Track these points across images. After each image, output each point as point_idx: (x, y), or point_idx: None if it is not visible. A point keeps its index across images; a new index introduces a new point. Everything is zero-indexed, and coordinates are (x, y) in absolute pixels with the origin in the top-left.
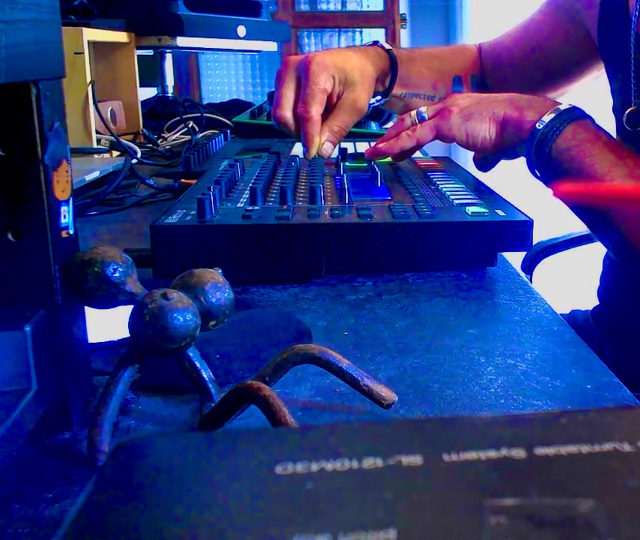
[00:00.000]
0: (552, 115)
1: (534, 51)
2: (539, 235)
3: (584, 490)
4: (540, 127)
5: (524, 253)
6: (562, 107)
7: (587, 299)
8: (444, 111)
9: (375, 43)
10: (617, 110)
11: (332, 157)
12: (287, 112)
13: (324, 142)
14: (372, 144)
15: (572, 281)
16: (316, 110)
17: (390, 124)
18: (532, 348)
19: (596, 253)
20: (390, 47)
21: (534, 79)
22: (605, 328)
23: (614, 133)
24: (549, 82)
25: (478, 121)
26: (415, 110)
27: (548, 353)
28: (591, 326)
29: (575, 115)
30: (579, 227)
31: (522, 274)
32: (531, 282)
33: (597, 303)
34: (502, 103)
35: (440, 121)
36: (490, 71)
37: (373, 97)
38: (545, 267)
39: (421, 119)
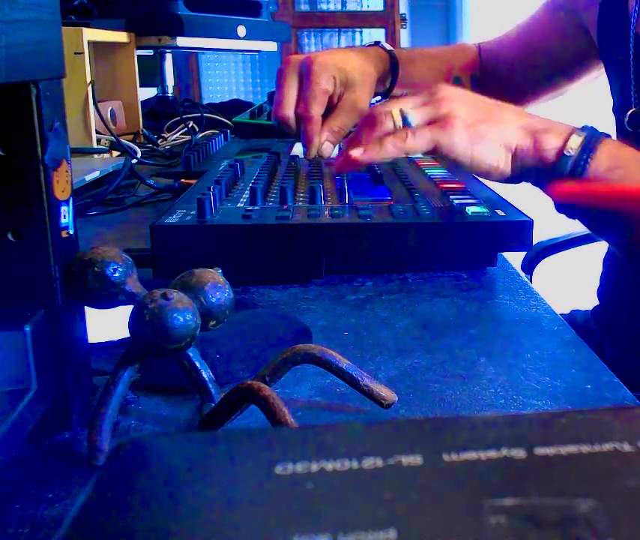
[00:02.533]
0: (579, 140)
1: (534, 51)
2: (539, 235)
3: (584, 490)
4: (570, 154)
5: (524, 253)
6: (580, 129)
7: (587, 299)
8: (445, 123)
9: (377, 43)
10: (618, 110)
11: (332, 157)
12: (288, 112)
13: (323, 142)
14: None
15: (572, 281)
16: (316, 111)
17: None
18: (532, 348)
19: (596, 253)
20: (391, 48)
21: (534, 79)
22: (605, 328)
23: (614, 134)
24: (549, 81)
25: (488, 147)
26: (397, 109)
27: (548, 353)
28: (591, 326)
29: (598, 134)
30: (579, 227)
31: (522, 274)
32: (531, 282)
33: (597, 303)
34: (512, 126)
35: (440, 134)
36: (490, 71)
37: (373, 97)
38: (545, 267)
39: (406, 125)
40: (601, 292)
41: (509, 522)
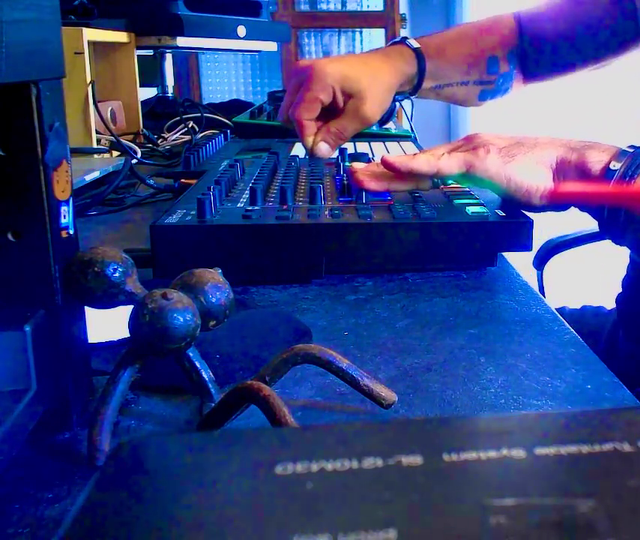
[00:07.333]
0: (625, 157)
1: (581, 23)
2: (550, 232)
3: (584, 490)
4: (616, 168)
5: (531, 251)
6: (628, 147)
7: (598, 296)
8: (478, 148)
9: (403, 40)
10: None
11: (332, 157)
12: (285, 114)
13: (318, 141)
14: (355, 165)
15: (583, 278)
16: (303, 115)
17: (390, 124)
18: (532, 348)
19: (606, 250)
20: (418, 46)
21: (582, 52)
22: (626, 319)
23: None
24: (596, 54)
25: (523, 165)
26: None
27: (548, 353)
28: (601, 322)
29: None
30: (589, 225)
31: (521, 274)
32: (542, 278)
33: (612, 298)
34: (550, 146)
35: (474, 157)
36: (532, 43)
37: (400, 96)
38: (557, 263)
39: None
40: (626, 282)
41: (509, 522)
